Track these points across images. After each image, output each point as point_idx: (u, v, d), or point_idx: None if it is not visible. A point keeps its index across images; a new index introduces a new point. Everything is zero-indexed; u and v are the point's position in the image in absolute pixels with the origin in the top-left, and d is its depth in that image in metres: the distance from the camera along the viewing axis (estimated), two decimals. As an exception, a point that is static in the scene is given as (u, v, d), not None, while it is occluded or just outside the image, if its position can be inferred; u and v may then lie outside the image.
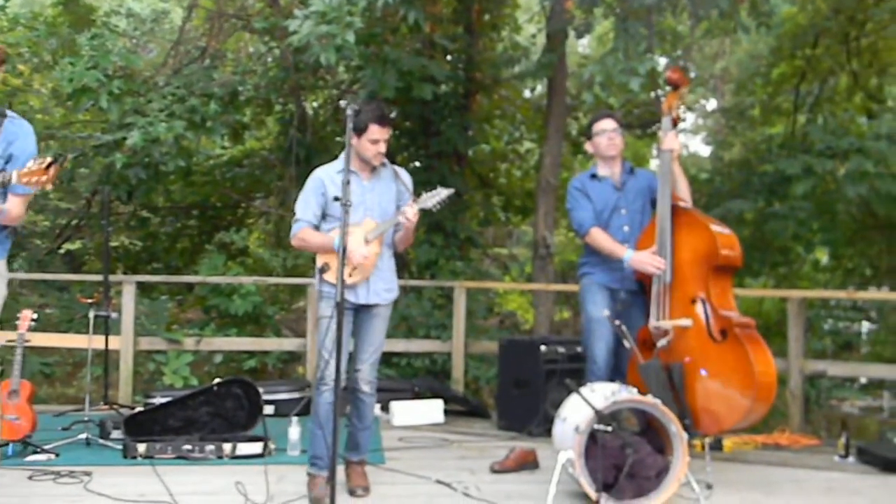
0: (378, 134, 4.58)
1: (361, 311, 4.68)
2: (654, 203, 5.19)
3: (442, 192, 4.57)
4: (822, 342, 10.22)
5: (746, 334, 4.80)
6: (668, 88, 5.31)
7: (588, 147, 5.49)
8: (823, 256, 12.50)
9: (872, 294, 11.30)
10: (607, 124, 5.33)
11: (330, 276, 4.54)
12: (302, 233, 4.68)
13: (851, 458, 5.72)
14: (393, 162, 4.87)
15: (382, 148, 4.62)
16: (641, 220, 5.30)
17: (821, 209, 9.86)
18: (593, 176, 5.41)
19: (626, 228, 5.29)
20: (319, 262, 4.64)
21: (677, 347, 4.92)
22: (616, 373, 5.19)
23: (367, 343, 4.73)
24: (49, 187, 3.86)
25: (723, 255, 4.91)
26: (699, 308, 4.91)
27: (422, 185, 4.65)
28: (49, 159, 3.78)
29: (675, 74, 5.25)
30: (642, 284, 5.21)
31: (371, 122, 4.56)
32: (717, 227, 5.00)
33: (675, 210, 5.07)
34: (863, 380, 10.07)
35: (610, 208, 5.31)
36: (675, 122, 5.20)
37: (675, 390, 4.84)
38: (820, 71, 12.25)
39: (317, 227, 4.68)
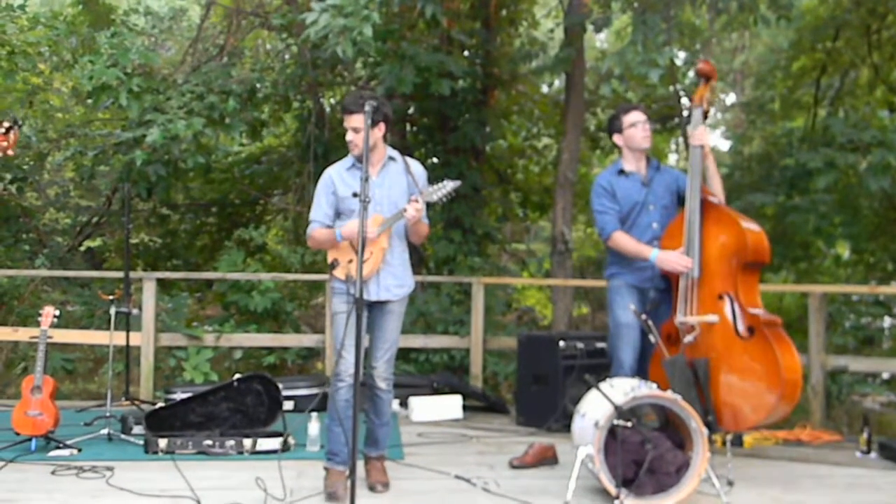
0: (346, 122, 4.55)
1: (374, 307, 4.64)
2: (681, 200, 5.13)
3: (448, 185, 4.51)
4: (844, 338, 10.11)
5: (773, 332, 4.76)
6: (700, 81, 5.28)
7: (618, 140, 5.31)
8: (845, 251, 12.39)
9: (895, 289, 11.19)
10: (639, 116, 5.23)
11: (339, 273, 4.54)
12: (314, 233, 4.69)
13: (873, 454, 5.69)
14: (411, 157, 4.85)
15: (351, 136, 4.55)
16: (669, 217, 5.19)
17: (842, 203, 9.78)
18: (620, 172, 5.27)
19: (654, 225, 5.18)
20: (329, 258, 4.64)
21: (703, 343, 4.90)
22: (642, 375, 5.07)
23: (382, 340, 4.70)
24: (11, 153, 3.79)
25: (752, 251, 4.87)
26: (726, 304, 4.87)
27: (439, 181, 4.59)
28: (7, 124, 3.73)
29: (706, 67, 5.24)
30: (669, 281, 5.14)
31: (342, 112, 4.58)
32: (746, 223, 4.94)
33: (705, 205, 5.02)
34: (885, 375, 9.99)
35: (638, 205, 5.20)
36: (705, 115, 5.18)
37: (699, 386, 4.82)
38: (840, 64, 12.15)
39: (330, 227, 4.66)
